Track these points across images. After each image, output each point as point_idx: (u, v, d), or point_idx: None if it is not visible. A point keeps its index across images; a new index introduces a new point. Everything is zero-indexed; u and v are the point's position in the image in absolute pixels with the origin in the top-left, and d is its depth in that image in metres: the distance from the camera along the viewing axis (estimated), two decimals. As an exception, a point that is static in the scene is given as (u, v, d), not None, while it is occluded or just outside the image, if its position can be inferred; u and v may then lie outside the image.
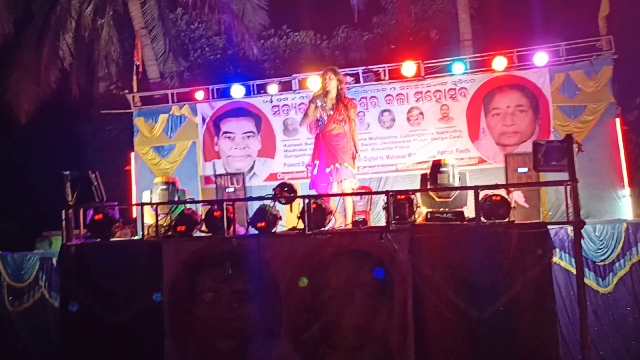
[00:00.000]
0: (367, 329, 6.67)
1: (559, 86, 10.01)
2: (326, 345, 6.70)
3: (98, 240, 7.17)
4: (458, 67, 10.32)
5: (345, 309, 6.71)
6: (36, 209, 11.59)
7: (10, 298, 8.92)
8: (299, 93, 10.91)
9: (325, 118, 7.73)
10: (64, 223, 7.04)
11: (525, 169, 8.59)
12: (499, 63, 10.07)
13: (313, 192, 7.52)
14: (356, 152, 7.70)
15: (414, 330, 6.53)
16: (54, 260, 8.28)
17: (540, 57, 9.95)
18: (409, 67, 10.39)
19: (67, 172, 7.04)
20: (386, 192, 6.83)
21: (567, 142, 6.21)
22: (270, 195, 7.16)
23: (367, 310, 6.70)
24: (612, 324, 7.63)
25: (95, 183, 7.05)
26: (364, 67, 10.88)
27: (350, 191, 7.60)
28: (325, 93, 7.75)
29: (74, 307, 6.76)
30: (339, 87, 7.73)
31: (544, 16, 14.44)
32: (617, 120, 9.80)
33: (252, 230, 7.04)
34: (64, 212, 7.03)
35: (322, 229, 6.89)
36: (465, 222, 6.81)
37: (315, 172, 7.73)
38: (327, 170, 7.67)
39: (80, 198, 7.04)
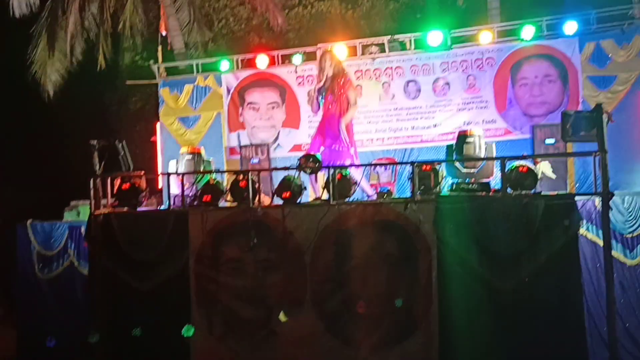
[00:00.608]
0: (390, 299, 6.71)
1: (589, 55, 9.78)
2: (349, 315, 6.77)
3: (125, 209, 7.27)
4: (485, 36, 10.14)
5: (368, 279, 6.76)
6: (64, 178, 11.77)
7: (40, 266, 9.10)
8: (323, 63, 10.82)
9: (322, 100, 8.10)
10: (91, 192, 7.14)
11: (552, 140, 8.46)
12: (527, 32, 9.85)
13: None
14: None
15: (437, 300, 6.57)
16: (83, 229, 8.40)
17: (570, 26, 9.72)
18: (435, 37, 10.23)
19: (95, 142, 7.12)
20: (411, 163, 6.81)
21: (596, 112, 6.12)
22: (295, 166, 7.18)
23: (391, 280, 6.73)
24: (639, 296, 7.56)
25: (122, 152, 7.13)
26: (389, 37, 10.74)
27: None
28: (325, 78, 8.09)
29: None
30: (335, 68, 8.07)
31: (574, -17, 14.12)
32: (649, 91, 9.60)
33: (277, 200, 7.09)
34: (91, 181, 7.12)
35: (347, 199, 6.91)
36: (491, 193, 6.77)
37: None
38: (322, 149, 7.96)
39: (108, 167, 7.13)
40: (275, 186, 7.17)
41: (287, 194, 6.95)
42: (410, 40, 10.53)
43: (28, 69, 13.12)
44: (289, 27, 15.23)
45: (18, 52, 13.27)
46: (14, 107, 14.28)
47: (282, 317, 6.67)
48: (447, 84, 10.38)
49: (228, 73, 11.30)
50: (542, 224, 6.36)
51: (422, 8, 15.36)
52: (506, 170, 6.51)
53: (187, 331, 6.73)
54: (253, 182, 6.97)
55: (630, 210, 7.56)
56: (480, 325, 6.41)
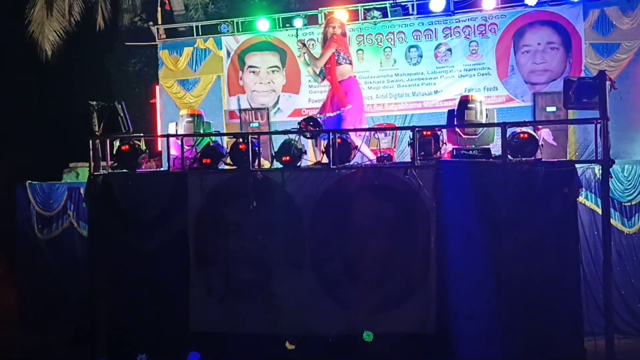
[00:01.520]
0: (389, 264, 6.75)
1: (593, 23, 9.70)
2: (348, 279, 6.81)
3: (124, 170, 7.25)
4: (489, 2, 10.02)
5: (367, 243, 6.78)
6: (62, 140, 11.72)
7: (39, 226, 9.12)
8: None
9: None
10: (91, 153, 7.11)
11: (553, 108, 8.45)
12: (532, -3, 9.78)
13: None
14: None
15: (436, 265, 6.60)
16: (82, 190, 8.40)
17: (575, -9, 9.65)
18: (438, 2, 10.13)
19: (94, 103, 7.07)
20: (412, 128, 6.78)
21: (599, 79, 6.08)
22: (296, 129, 7.15)
23: (390, 245, 6.76)
24: (636, 264, 7.63)
25: (122, 114, 7.08)
26: (391, 1, 10.62)
27: None
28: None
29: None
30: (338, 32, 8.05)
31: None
32: (652, 59, 9.54)
33: (277, 164, 7.08)
34: (91, 142, 7.09)
35: (347, 163, 6.90)
36: (491, 160, 6.76)
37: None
38: (333, 114, 7.82)
39: (107, 129, 7.09)
40: (275, 150, 7.15)
41: (287, 158, 6.93)
42: (413, 5, 10.41)
43: (26, 29, 12.96)
44: (290, -11, 15.00)
45: (16, 11, 13.09)
46: (11, 68, 14.15)
47: (288, 346, 6.73)
48: (449, 50, 10.31)
49: (228, 36, 11.19)
50: (541, 191, 6.37)
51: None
52: (507, 136, 6.49)
53: None
54: (253, 145, 6.95)
55: (629, 178, 7.60)
56: (478, 290, 6.45)
